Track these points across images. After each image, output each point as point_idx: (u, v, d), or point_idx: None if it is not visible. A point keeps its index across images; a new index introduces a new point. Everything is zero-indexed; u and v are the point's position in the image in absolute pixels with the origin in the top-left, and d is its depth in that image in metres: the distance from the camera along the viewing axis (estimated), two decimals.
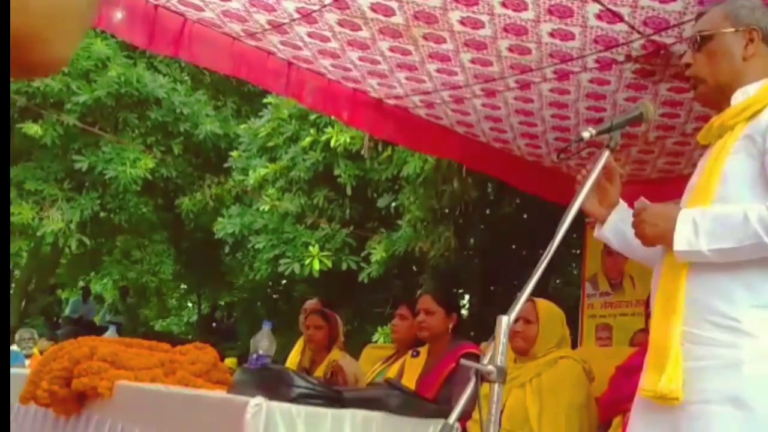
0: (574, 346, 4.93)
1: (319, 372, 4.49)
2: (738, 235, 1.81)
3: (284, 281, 11.09)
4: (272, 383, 2.74)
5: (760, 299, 1.85)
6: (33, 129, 10.06)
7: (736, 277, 1.86)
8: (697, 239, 1.85)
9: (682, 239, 1.86)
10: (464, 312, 9.98)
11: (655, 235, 1.93)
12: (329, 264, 8.59)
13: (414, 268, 9.54)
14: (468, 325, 8.51)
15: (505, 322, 1.75)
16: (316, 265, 8.53)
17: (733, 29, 2.02)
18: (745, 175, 1.90)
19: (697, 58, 2.04)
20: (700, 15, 2.14)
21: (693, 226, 1.86)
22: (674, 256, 1.89)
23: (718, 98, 2.04)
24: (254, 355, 3.24)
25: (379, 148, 7.92)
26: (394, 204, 8.50)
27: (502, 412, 3.25)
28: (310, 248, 8.68)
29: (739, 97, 1.99)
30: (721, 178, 1.92)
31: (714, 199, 1.91)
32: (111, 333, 5.47)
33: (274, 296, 12.12)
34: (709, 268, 1.88)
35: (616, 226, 2.18)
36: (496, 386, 1.74)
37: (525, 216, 8.66)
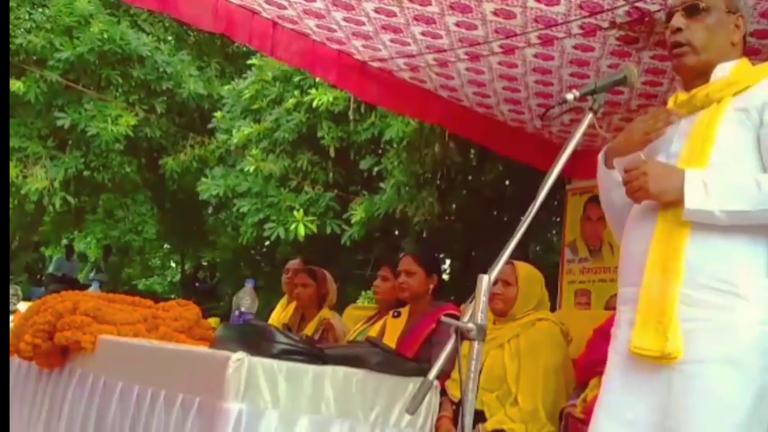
0: (553, 310, 4.99)
1: (309, 329, 4.54)
2: (750, 199, 1.87)
3: (268, 243, 11.12)
4: (254, 339, 2.76)
5: (755, 264, 1.93)
6: (16, 85, 9.99)
7: (733, 242, 1.92)
8: (708, 199, 1.88)
9: (693, 198, 1.88)
10: (445, 276, 10.07)
11: (659, 191, 1.93)
12: (314, 229, 8.62)
13: (396, 231, 9.59)
14: (449, 289, 8.58)
15: (485, 281, 1.77)
16: (301, 231, 8.56)
17: (726, 10, 2.08)
18: (738, 144, 1.97)
19: (690, 25, 2.06)
20: None
21: (703, 186, 1.89)
22: (681, 213, 1.91)
23: (700, 70, 2.08)
24: (237, 312, 3.27)
25: (362, 110, 7.92)
26: (377, 168, 8.52)
27: (480, 371, 3.33)
28: (295, 213, 8.70)
29: (718, 74, 2.06)
30: (714, 145, 1.97)
31: (709, 165, 1.95)
32: (94, 289, 5.49)
33: (257, 257, 12.14)
34: (709, 232, 1.92)
35: None
36: (475, 344, 1.76)
37: (507, 182, 8.70)
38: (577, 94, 1.97)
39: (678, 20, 2.07)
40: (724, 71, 2.06)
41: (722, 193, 1.88)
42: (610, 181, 2.20)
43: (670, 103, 2.16)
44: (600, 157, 2.22)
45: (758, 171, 1.95)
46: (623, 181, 2.02)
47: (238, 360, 2.52)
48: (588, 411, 3.22)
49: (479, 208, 8.83)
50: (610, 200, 2.24)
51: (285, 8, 4.20)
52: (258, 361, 2.57)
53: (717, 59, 2.07)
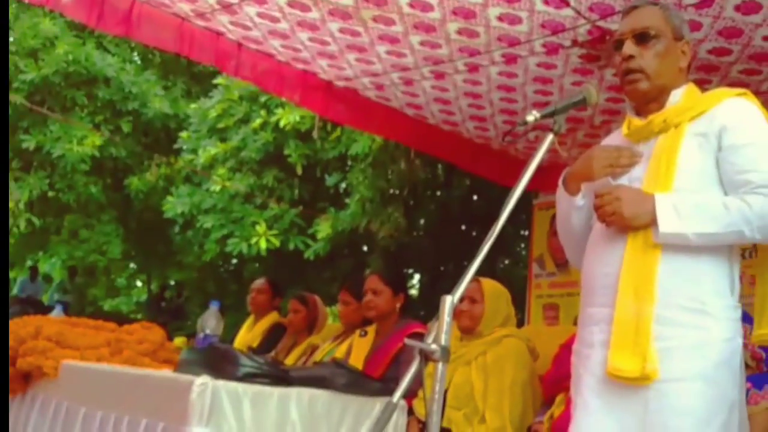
0: (521, 325, 4.99)
1: (296, 353, 4.56)
2: (721, 221, 1.93)
3: (234, 261, 11.08)
4: (218, 362, 2.74)
5: (720, 283, 2.00)
6: None
7: (700, 262, 1.98)
8: (681, 222, 1.93)
9: (667, 221, 1.93)
10: (414, 291, 10.11)
11: (633, 215, 1.97)
12: (277, 243, 8.62)
13: (364, 248, 9.61)
14: (418, 305, 8.62)
15: (449, 301, 1.77)
16: (263, 244, 8.56)
17: (673, 37, 2.13)
18: (699, 168, 2.02)
19: (641, 53, 2.10)
20: (631, 9, 2.18)
21: (674, 210, 1.94)
22: (650, 236, 1.97)
23: (652, 96, 2.12)
24: (201, 335, 3.26)
25: (328, 128, 7.94)
26: (343, 184, 8.55)
27: (446, 390, 3.33)
28: (257, 227, 8.69)
29: (672, 99, 2.11)
30: (677, 170, 2.01)
31: (673, 189, 2.00)
32: (57, 312, 5.43)
33: (224, 276, 12.10)
34: (678, 253, 1.96)
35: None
36: (439, 365, 1.76)
37: (475, 197, 8.76)
38: (538, 116, 1.99)
39: (630, 48, 2.11)
40: (676, 97, 2.12)
41: (693, 216, 1.94)
42: (570, 205, 2.23)
43: (624, 129, 2.19)
44: (560, 180, 2.25)
45: (720, 193, 2.01)
46: (594, 205, 2.04)
47: (202, 384, 2.49)
48: (555, 428, 3.25)
49: (447, 223, 8.88)
50: (570, 224, 2.27)
51: (250, 29, 4.22)
52: (222, 384, 2.55)
53: (668, 84, 2.12)
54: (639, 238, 1.99)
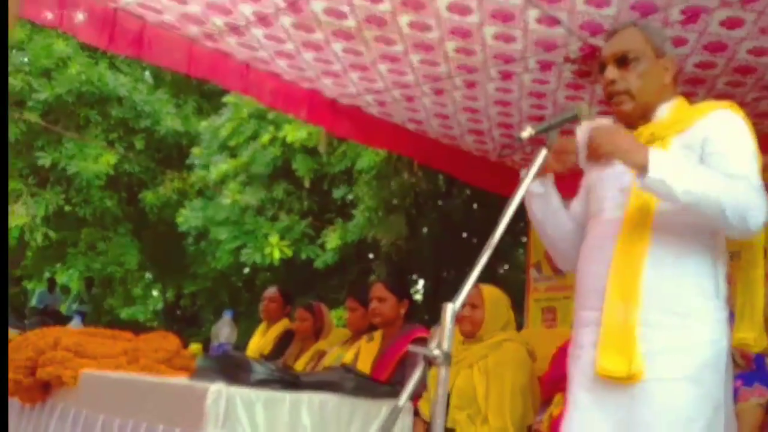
0: (521, 327, 5.07)
1: (305, 359, 4.70)
2: (709, 185, 1.92)
3: (247, 270, 11.17)
4: (232, 369, 2.80)
5: (704, 287, 2.06)
6: None
7: (685, 267, 2.05)
8: (670, 172, 1.92)
9: (657, 167, 1.92)
10: (418, 297, 10.20)
11: (628, 148, 1.97)
12: (289, 253, 8.73)
13: (370, 255, 9.71)
14: (422, 309, 8.73)
15: (450, 308, 1.83)
16: (276, 254, 8.67)
17: (654, 56, 2.21)
18: None
19: (624, 75, 2.18)
20: (612, 33, 2.27)
21: (666, 161, 1.94)
22: (637, 242, 2.03)
23: (639, 114, 2.20)
24: (216, 343, 3.34)
25: (334, 143, 8.06)
26: (350, 196, 8.66)
27: (450, 392, 3.44)
28: (270, 238, 8.81)
29: (659, 114, 2.19)
30: None
31: (658, 199, 2.05)
32: (76, 323, 5.50)
33: (237, 285, 12.18)
34: (664, 257, 2.04)
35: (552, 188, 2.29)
36: (442, 369, 1.82)
37: (474, 206, 8.85)
38: (532, 132, 2.05)
39: (611, 72, 2.19)
40: (663, 111, 2.19)
41: (683, 172, 1.94)
42: (527, 193, 2.23)
43: None
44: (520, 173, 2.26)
45: None
46: (589, 137, 2.04)
47: (217, 390, 2.54)
48: (554, 426, 3.35)
49: (449, 231, 8.97)
50: (533, 213, 2.33)
51: (257, 50, 4.31)
52: (236, 390, 2.61)
53: (653, 101, 2.19)
54: (627, 243, 2.06)
